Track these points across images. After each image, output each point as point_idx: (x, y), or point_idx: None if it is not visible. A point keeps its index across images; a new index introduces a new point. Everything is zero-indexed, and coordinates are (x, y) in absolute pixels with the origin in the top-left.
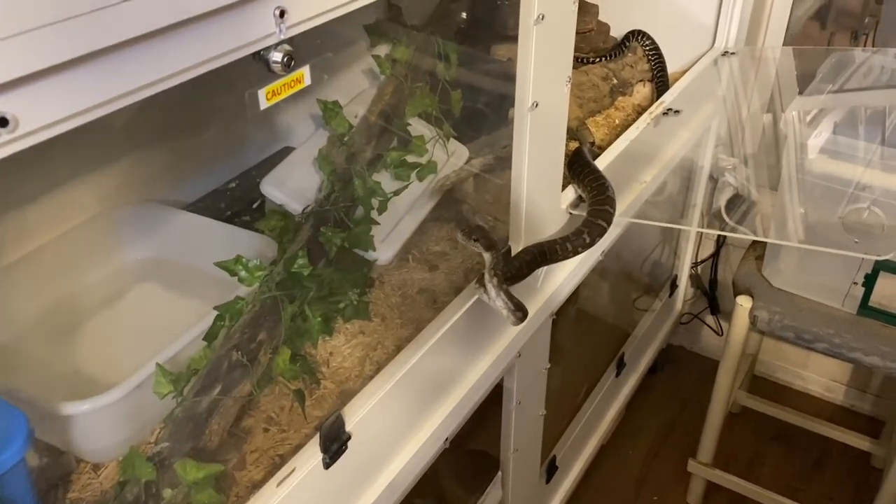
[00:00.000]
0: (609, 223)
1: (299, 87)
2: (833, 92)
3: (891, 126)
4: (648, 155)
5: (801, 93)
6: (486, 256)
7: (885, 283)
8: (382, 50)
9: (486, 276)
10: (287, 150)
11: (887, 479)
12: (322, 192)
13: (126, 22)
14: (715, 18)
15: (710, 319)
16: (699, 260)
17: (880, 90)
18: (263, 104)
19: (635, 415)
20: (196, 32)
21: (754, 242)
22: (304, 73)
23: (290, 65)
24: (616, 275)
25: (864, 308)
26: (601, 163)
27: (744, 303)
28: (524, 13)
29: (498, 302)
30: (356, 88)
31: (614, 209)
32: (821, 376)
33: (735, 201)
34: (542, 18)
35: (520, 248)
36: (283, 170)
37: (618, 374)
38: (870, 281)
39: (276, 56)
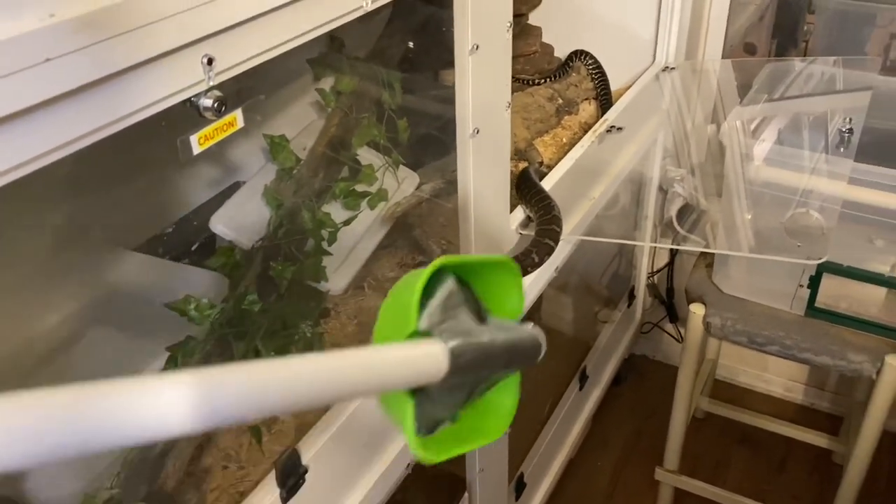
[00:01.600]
0: (556, 241)
1: (232, 130)
2: (772, 100)
3: (833, 132)
4: (596, 171)
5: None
6: None
7: (828, 284)
8: (328, 82)
9: None
10: (237, 185)
11: (847, 474)
12: (271, 226)
13: (54, 78)
14: (654, 35)
15: (669, 327)
16: (655, 269)
17: (818, 96)
18: (196, 150)
19: (602, 426)
20: (123, 85)
21: (698, 258)
22: (237, 117)
23: (221, 110)
24: (574, 289)
25: (812, 309)
26: (549, 181)
27: (697, 310)
28: (458, 44)
29: None
30: (304, 120)
31: (561, 228)
32: (780, 377)
33: (685, 210)
34: (477, 48)
35: None
36: (231, 206)
37: (581, 388)
38: (814, 283)
39: (207, 102)
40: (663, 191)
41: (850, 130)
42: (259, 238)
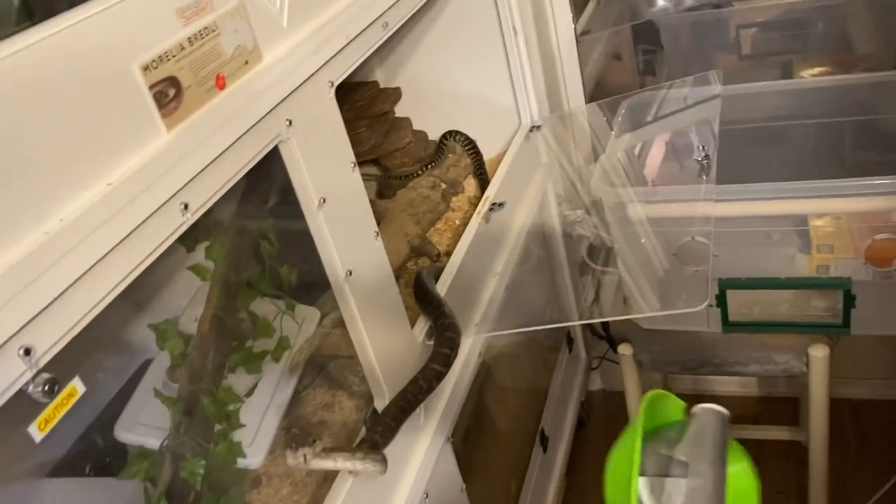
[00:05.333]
0: (455, 346)
1: (75, 399)
2: (637, 128)
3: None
4: (492, 247)
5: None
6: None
7: (734, 297)
8: (201, 252)
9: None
10: (147, 364)
11: (812, 456)
12: (172, 424)
13: None
14: (514, 100)
15: (615, 356)
16: (584, 307)
17: (676, 114)
18: (38, 437)
19: (579, 476)
20: None
21: (618, 288)
22: (76, 386)
23: (54, 389)
24: (511, 356)
25: (727, 325)
26: (448, 274)
27: (625, 351)
28: (305, 203)
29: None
30: (191, 287)
31: (456, 330)
32: (733, 377)
33: (595, 248)
34: (324, 202)
35: (386, 401)
36: (132, 409)
37: (545, 450)
38: (721, 300)
39: (37, 389)
40: (569, 235)
41: (707, 157)
42: (165, 437)
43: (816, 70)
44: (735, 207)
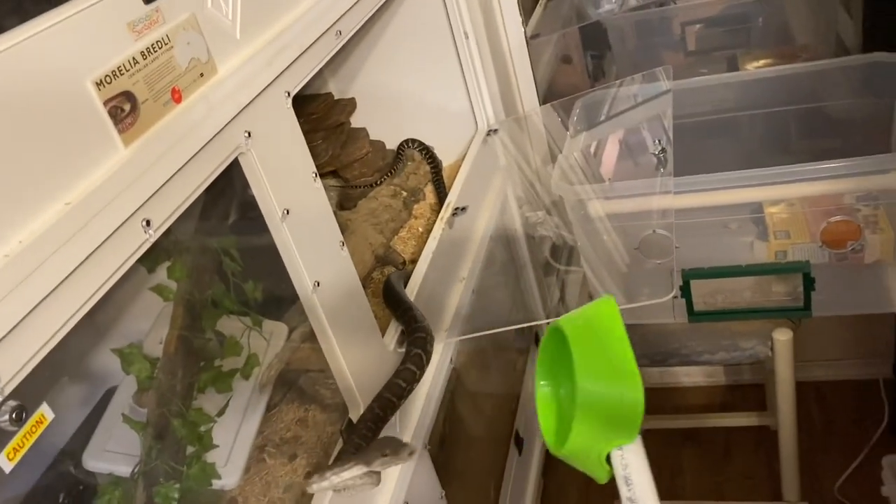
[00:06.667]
0: (427, 347)
1: (44, 426)
2: (592, 127)
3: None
4: (457, 252)
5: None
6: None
7: (698, 287)
8: (162, 272)
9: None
10: (111, 391)
11: (781, 440)
12: (143, 449)
13: None
14: (469, 104)
15: None
16: (551, 307)
17: (630, 111)
18: (8, 467)
19: (554, 475)
20: None
21: (583, 287)
22: (44, 412)
23: (22, 416)
24: (481, 363)
25: (693, 315)
26: (415, 281)
27: None
28: (268, 215)
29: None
30: (155, 308)
31: (428, 332)
32: (699, 367)
33: (558, 248)
34: (288, 213)
35: (360, 412)
36: (100, 436)
37: (521, 453)
38: (686, 291)
39: (3, 417)
40: (531, 237)
41: (664, 150)
42: (137, 462)
43: (761, 63)
44: (693, 199)
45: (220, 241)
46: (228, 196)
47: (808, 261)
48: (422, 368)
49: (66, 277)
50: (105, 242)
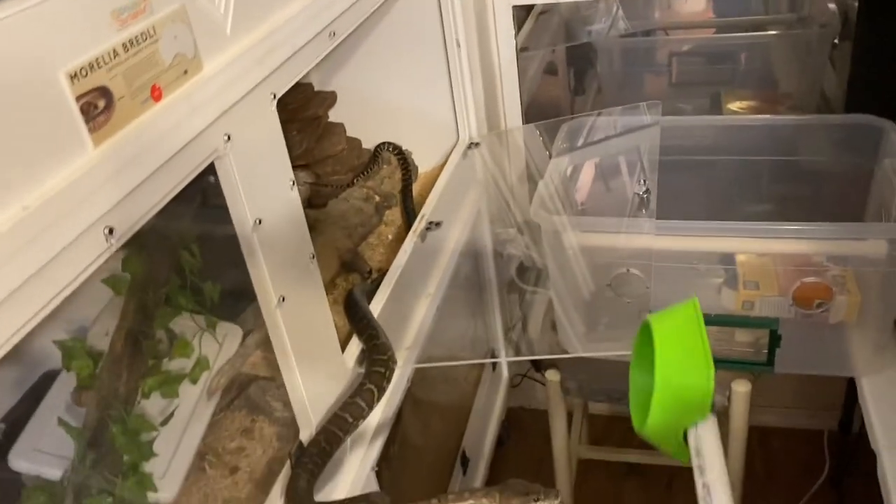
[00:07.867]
0: (384, 384)
1: None
2: (574, 150)
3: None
4: (426, 266)
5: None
6: None
7: None
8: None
9: None
10: (50, 375)
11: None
12: (76, 457)
13: None
14: (453, 115)
15: (538, 375)
16: (511, 325)
17: (616, 137)
18: None
19: None
20: None
21: (547, 311)
22: None
23: None
24: (433, 383)
25: None
26: (382, 293)
27: (553, 377)
28: (238, 223)
29: None
30: (102, 299)
31: (388, 367)
32: None
33: (525, 268)
34: (260, 223)
35: (312, 432)
36: (30, 434)
37: (465, 472)
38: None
39: None
40: (500, 255)
41: (647, 191)
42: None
43: (744, 104)
44: (670, 242)
45: (182, 236)
46: (195, 187)
47: (778, 318)
48: (371, 406)
49: (17, 289)
50: (61, 252)
